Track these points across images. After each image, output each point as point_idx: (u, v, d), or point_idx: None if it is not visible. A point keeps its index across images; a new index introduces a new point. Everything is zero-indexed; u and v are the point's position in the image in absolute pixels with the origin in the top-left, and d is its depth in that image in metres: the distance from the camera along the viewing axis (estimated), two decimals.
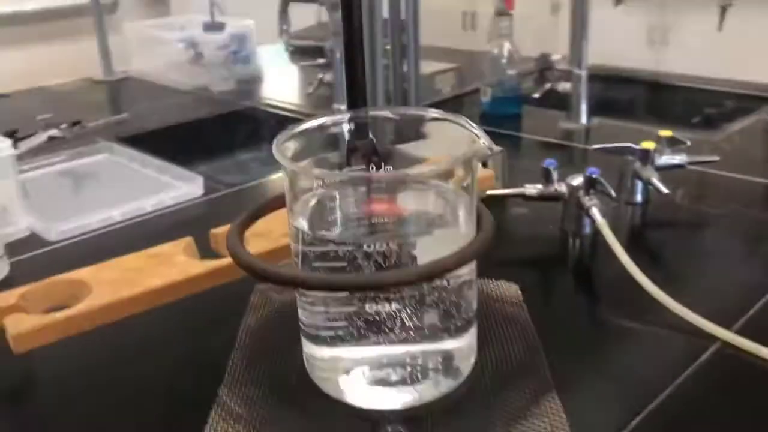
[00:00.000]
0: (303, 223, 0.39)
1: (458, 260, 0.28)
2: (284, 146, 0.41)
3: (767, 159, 1.15)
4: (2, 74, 1.86)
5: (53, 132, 1.21)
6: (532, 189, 0.86)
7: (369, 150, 0.40)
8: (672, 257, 0.84)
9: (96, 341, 0.57)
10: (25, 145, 1.18)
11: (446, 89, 1.53)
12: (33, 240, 0.92)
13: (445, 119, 0.41)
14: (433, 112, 0.43)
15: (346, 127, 0.43)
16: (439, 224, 0.35)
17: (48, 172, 1.17)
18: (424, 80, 1.37)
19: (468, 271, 0.35)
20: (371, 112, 0.44)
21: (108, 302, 0.40)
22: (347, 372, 0.34)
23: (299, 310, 0.36)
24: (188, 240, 0.48)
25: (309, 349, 0.36)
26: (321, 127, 0.44)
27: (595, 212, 0.79)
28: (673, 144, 0.92)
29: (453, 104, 1.49)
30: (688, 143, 0.91)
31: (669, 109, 1.58)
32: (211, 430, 0.31)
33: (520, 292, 0.41)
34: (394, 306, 0.32)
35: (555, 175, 0.85)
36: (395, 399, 0.33)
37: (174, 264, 0.44)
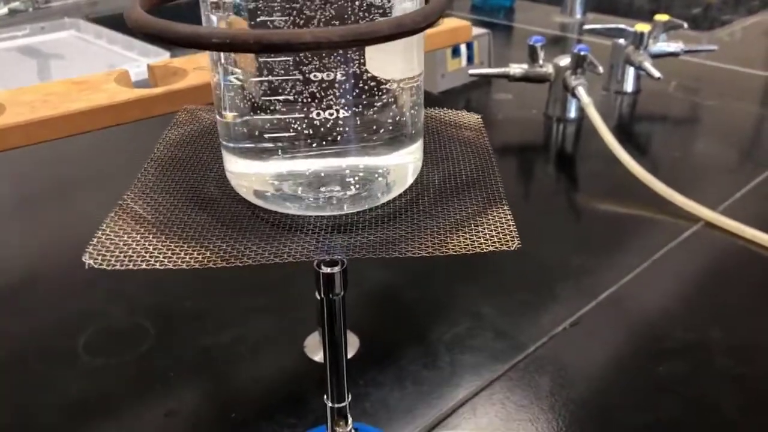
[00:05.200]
0: None
1: (395, 26, 0.23)
2: None
3: None
4: None
5: (14, 4, 1.13)
6: (518, 68, 0.81)
7: None
8: (661, 146, 0.80)
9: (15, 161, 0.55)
10: None
11: None
12: None
13: None
14: None
15: None
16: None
17: (8, 46, 1.10)
18: None
19: (412, 75, 0.30)
20: None
21: (22, 122, 0.36)
22: (271, 183, 0.29)
23: (218, 120, 0.30)
24: (122, 70, 0.43)
25: (228, 162, 0.30)
26: None
27: (581, 91, 0.74)
28: (669, 28, 0.86)
29: None
30: (686, 25, 0.85)
31: (675, 10, 1.51)
32: (105, 229, 0.27)
33: (480, 119, 0.37)
34: (328, 113, 0.27)
35: (542, 53, 0.79)
36: (319, 209, 0.29)
37: (101, 91, 0.39)
